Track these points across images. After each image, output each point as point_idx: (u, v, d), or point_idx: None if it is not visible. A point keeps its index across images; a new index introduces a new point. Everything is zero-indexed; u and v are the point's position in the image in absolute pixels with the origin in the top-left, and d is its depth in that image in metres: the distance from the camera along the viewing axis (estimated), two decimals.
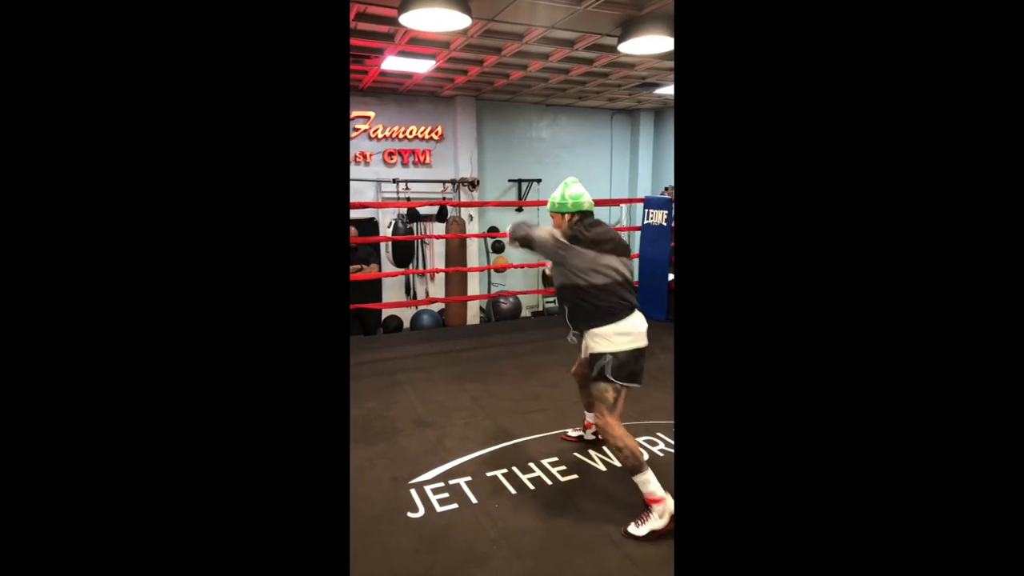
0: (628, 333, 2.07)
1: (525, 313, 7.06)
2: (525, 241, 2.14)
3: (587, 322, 2.09)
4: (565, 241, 2.06)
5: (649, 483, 1.97)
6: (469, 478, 2.34)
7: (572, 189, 2.18)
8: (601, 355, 2.06)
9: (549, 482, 2.32)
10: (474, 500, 2.18)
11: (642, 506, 1.99)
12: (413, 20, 3.40)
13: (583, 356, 2.32)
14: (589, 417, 2.61)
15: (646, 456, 2.06)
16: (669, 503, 1.96)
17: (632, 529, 1.95)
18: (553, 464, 2.45)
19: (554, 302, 7.46)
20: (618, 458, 2.08)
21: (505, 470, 2.40)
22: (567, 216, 2.16)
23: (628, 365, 2.06)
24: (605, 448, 2.58)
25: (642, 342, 2.10)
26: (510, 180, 7.39)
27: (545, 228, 2.15)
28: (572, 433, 2.73)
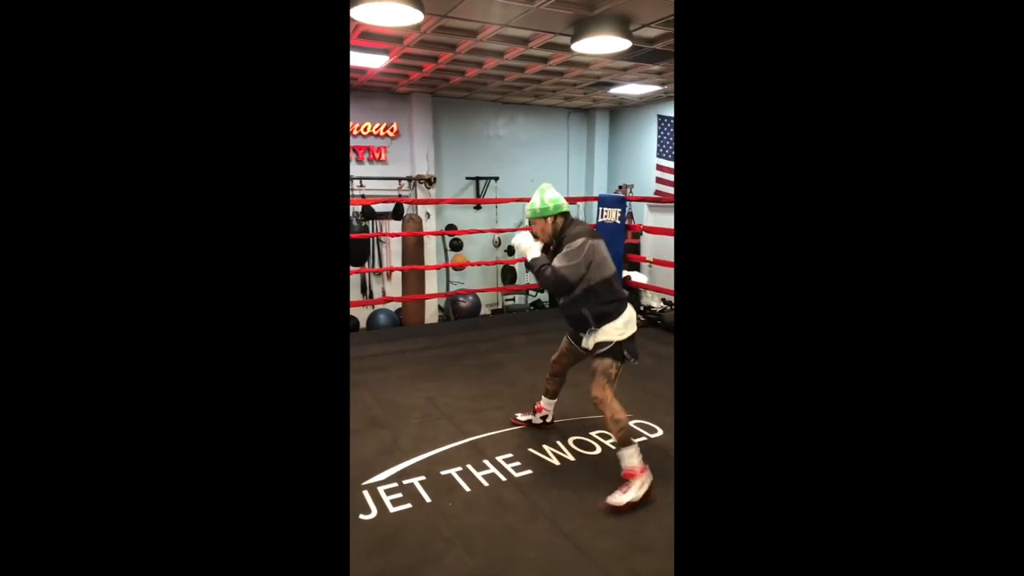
0: (630, 320, 2.28)
1: (484, 311, 7.06)
2: (557, 279, 2.19)
3: (601, 321, 2.25)
4: (582, 256, 2.18)
5: (634, 457, 2.15)
6: (423, 477, 2.32)
7: (549, 193, 2.33)
8: (609, 341, 2.23)
9: (504, 478, 2.33)
10: (428, 499, 2.17)
11: (607, 490, 2.04)
12: (365, 14, 3.34)
13: (572, 347, 2.50)
14: (543, 403, 2.79)
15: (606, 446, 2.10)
16: (647, 476, 2.14)
17: (612, 500, 2.08)
18: (508, 460, 2.46)
19: (512, 299, 7.48)
20: (613, 430, 2.20)
21: (460, 468, 2.40)
22: (551, 219, 2.29)
23: (631, 345, 2.28)
24: (559, 442, 2.61)
25: (635, 326, 2.33)
26: (468, 178, 7.36)
27: (535, 251, 2.30)
28: (521, 417, 2.81)
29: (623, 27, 3.88)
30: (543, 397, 2.76)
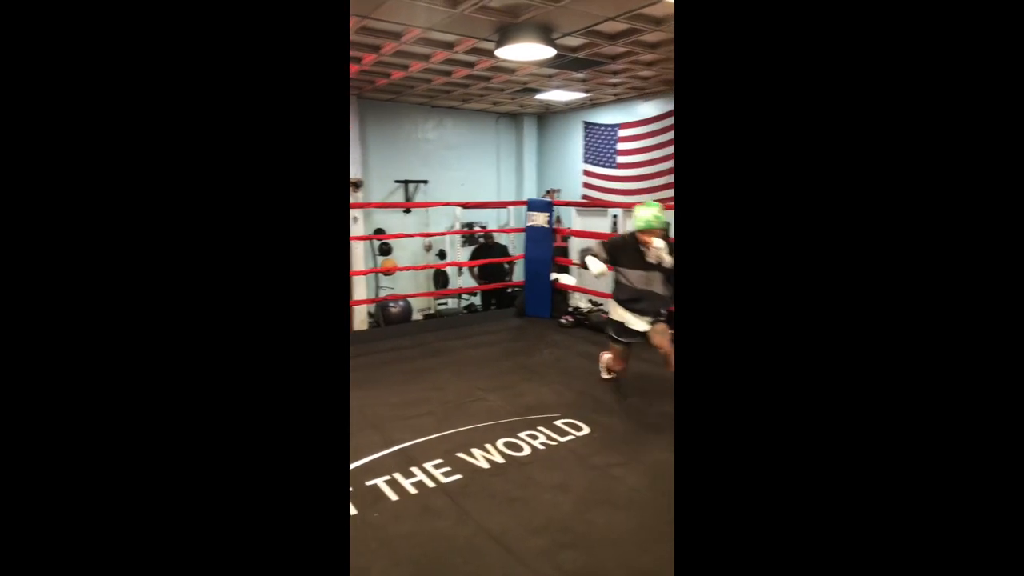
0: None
1: (416, 316, 6.96)
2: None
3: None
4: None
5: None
6: (349, 489, 2.26)
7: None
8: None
9: (432, 485, 2.31)
10: (353, 511, 2.11)
11: (535, 490, 2.06)
12: None
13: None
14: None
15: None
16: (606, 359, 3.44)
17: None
18: (436, 467, 2.45)
19: (445, 303, 7.43)
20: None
21: (387, 477, 2.35)
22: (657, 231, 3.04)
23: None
24: (488, 445, 2.63)
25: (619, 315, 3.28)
26: (396, 181, 7.25)
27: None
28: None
29: (546, 35, 3.97)
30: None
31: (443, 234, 7.08)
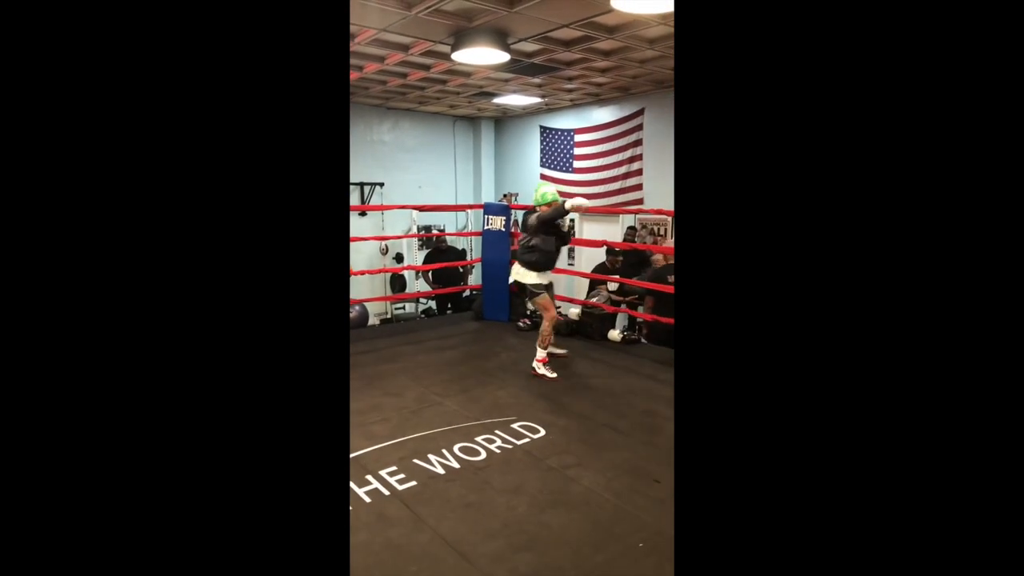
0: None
1: (373, 321, 6.85)
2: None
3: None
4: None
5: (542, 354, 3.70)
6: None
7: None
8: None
9: (387, 492, 2.27)
10: None
11: (491, 494, 2.05)
12: None
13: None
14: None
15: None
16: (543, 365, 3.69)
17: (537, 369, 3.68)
18: (391, 474, 2.41)
19: (402, 307, 7.34)
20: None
21: None
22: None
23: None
24: (444, 451, 2.61)
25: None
26: (352, 183, 7.12)
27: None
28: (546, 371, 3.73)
29: (501, 40, 3.99)
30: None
31: (400, 237, 7.00)
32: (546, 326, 3.71)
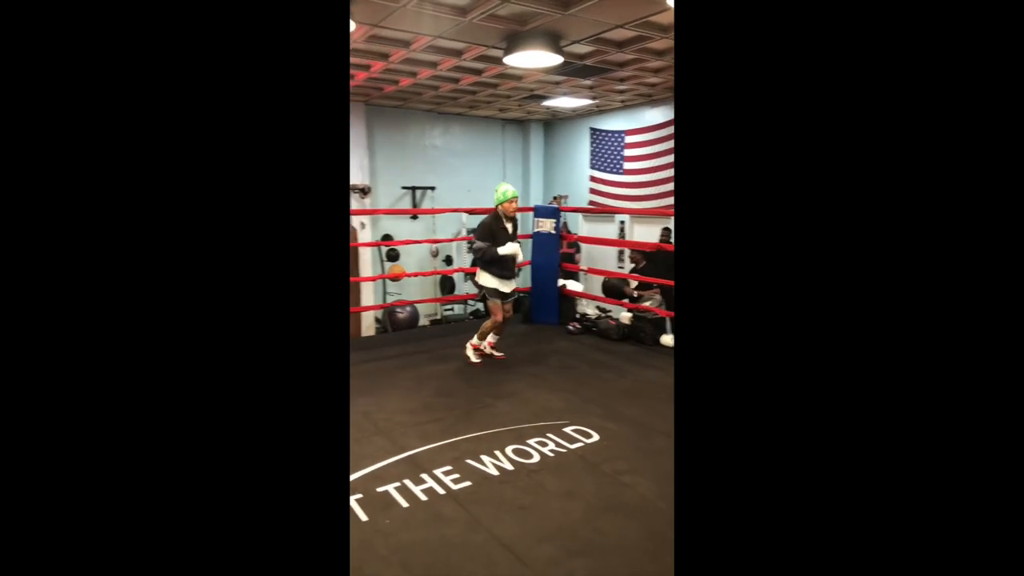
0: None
1: (423, 322, 6.98)
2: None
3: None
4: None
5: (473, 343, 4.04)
6: (359, 495, 2.26)
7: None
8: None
9: (442, 492, 2.31)
10: (364, 518, 2.12)
11: (545, 497, 2.06)
12: None
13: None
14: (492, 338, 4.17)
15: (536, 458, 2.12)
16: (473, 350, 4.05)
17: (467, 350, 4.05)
18: (446, 473, 2.45)
19: (451, 309, 7.44)
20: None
21: (397, 484, 2.36)
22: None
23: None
24: (497, 452, 2.63)
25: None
26: (403, 187, 7.29)
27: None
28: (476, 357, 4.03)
29: (554, 43, 3.99)
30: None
31: (450, 240, 7.10)
32: (487, 324, 4.06)
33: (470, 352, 4.06)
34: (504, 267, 3.90)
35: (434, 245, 7.18)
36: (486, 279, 3.96)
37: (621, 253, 6.85)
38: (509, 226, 3.92)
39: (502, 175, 8.08)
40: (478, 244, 3.88)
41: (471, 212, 5.90)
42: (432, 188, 7.41)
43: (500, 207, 3.87)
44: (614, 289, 5.27)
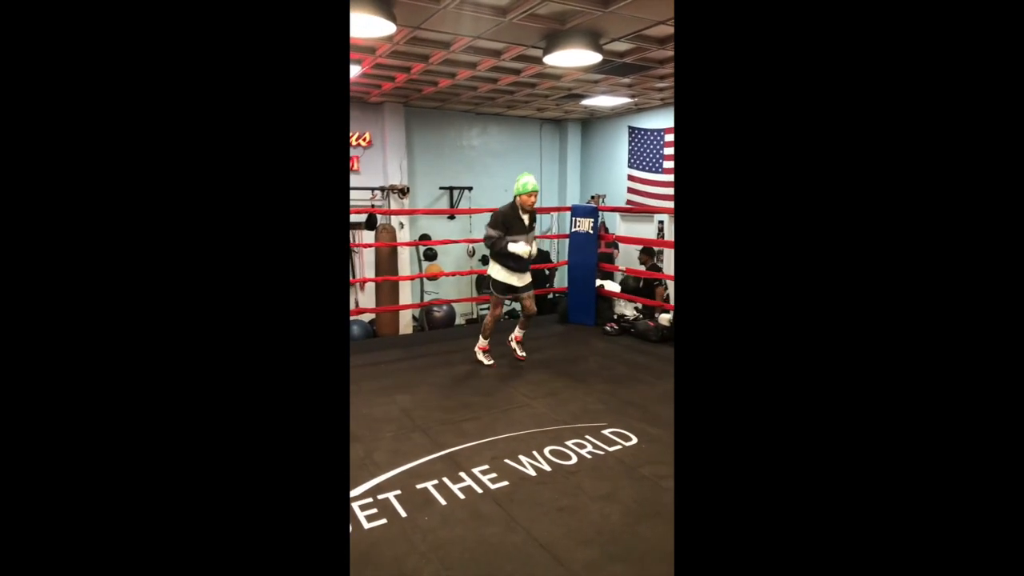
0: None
1: (459, 321, 7.03)
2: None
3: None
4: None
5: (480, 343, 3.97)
6: (398, 492, 2.29)
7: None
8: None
9: (480, 491, 2.31)
10: (403, 514, 2.14)
11: (583, 499, 2.04)
12: None
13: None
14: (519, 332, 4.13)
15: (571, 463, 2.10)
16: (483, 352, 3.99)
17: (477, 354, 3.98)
18: (484, 472, 2.45)
19: (487, 308, 7.47)
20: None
21: (435, 481, 2.38)
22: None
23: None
24: (535, 452, 2.62)
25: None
26: (441, 188, 7.36)
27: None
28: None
29: (594, 41, 3.96)
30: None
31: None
32: (488, 321, 4.05)
33: (480, 355, 4.00)
34: (518, 260, 3.78)
35: (470, 245, 7.23)
36: (497, 271, 3.85)
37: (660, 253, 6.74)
38: (526, 218, 3.81)
39: (539, 175, 8.07)
40: (489, 232, 3.75)
41: None
42: (469, 188, 7.46)
43: (518, 198, 3.76)
44: (630, 288, 5.28)
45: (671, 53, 4.40)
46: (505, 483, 2.37)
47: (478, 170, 7.55)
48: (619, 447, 2.71)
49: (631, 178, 7.17)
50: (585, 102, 6.42)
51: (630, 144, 7.19)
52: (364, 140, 6.66)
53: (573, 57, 4.09)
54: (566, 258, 5.44)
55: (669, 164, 6.60)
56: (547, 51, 4.06)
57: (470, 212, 6.65)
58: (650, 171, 6.89)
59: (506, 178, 7.69)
